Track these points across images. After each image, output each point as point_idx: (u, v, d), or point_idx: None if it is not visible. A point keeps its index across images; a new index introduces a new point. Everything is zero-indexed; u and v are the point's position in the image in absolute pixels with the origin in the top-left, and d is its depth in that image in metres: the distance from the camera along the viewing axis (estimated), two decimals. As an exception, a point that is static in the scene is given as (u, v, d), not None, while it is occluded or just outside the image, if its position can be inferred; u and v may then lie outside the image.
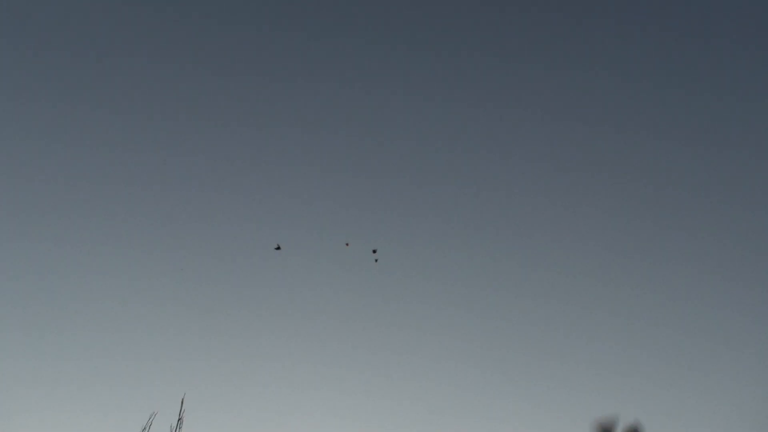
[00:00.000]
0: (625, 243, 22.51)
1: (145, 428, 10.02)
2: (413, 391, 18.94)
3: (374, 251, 16.15)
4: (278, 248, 16.48)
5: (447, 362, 19.92)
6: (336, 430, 17.48)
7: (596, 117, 24.58)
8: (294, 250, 19.78)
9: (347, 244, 16.37)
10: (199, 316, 19.33)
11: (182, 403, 10.69)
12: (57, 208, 21.44)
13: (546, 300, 21.19)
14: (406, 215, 22.54)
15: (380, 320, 20.31)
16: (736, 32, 23.77)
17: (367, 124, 24.22)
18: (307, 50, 24.34)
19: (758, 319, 20.03)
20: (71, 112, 22.88)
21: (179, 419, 10.63)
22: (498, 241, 22.48)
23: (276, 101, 24.25)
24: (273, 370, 18.69)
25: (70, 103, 23.03)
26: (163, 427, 10.73)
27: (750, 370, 18.88)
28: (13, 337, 18.24)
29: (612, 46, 24.54)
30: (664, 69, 24.30)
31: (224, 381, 17.84)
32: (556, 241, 22.50)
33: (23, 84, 22.61)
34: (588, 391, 19.03)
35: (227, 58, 24.16)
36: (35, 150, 22.04)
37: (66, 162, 22.15)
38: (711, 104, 24.11)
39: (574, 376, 19.40)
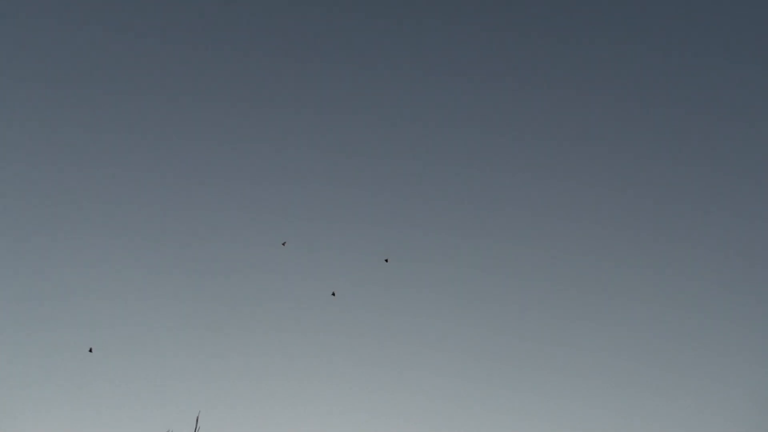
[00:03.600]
0: (624, 250, 22.75)
1: (159, 446, 10.27)
2: (427, 397, 18.99)
3: (333, 294, 16.35)
4: (284, 244, 16.74)
5: (451, 360, 20.07)
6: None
7: (602, 127, 24.87)
8: (301, 267, 19.94)
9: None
10: (213, 336, 19.48)
11: (197, 421, 10.93)
12: (67, 226, 21.62)
13: (549, 301, 21.40)
14: (412, 219, 22.66)
15: (401, 338, 20.31)
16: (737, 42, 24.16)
17: (371, 125, 24.38)
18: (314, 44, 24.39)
19: (756, 323, 20.24)
20: (70, 108, 23.05)
21: (194, 436, 10.86)
22: (503, 242, 22.63)
23: (283, 106, 24.37)
24: (288, 389, 18.79)
25: (68, 98, 23.22)
26: (177, 445, 10.96)
27: (747, 373, 19.07)
28: (28, 359, 18.44)
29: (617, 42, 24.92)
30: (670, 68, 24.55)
31: (238, 399, 17.98)
32: (558, 243, 22.70)
33: (23, 80, 22.80)
34: (588, 391, 19.20)
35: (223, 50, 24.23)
36: (37, 151, 22.18)
37: (72, 180, 22.37)
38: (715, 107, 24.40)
39: (575, 375, 19.58)
